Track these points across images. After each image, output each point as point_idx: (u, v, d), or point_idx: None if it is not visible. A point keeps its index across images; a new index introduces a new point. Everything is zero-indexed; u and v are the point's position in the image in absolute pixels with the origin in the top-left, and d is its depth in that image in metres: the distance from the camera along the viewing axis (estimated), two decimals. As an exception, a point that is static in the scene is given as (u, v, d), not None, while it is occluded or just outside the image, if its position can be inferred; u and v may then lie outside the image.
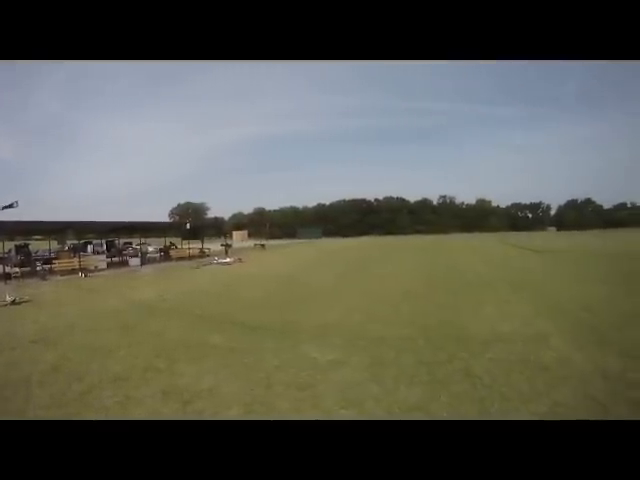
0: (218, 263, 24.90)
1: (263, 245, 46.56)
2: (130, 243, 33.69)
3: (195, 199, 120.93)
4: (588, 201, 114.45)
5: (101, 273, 21.31)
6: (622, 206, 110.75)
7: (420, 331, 7.38)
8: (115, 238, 32.59)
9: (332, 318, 8.69)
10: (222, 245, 36.53)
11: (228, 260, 26.04)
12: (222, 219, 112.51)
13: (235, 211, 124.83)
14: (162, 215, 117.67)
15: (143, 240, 32.22)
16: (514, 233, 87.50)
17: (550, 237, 61.37)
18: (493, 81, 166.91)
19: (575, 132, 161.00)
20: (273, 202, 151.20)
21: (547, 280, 13.63)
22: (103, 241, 31.22)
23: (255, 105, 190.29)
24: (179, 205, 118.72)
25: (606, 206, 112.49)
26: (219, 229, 58.04)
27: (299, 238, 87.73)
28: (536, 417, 4.04)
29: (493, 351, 6.14)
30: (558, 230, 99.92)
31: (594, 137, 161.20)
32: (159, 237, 35.69)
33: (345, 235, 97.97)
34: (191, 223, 37.83)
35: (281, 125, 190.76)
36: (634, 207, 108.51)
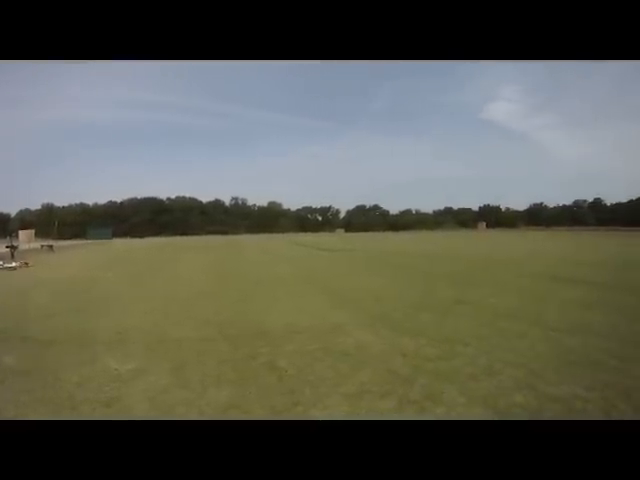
0: (3, 268, 20.60)
1: (51, 246, 40.23)
2: None
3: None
4: (376, 207, 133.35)
5: None
6: (408, 212, 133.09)
7: (218, 330, 7.18)
8: None
9: (128, 323, 7.88)
10: (7, 247, 30.41)
11: (14, 264, 21.56)
12: (8, 215, 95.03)
13: (22, 207, 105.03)
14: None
15: None
16: (304, 234, 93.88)
17: (338, 237, 68.31)
18: (295, 89, 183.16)
19: (374, 144, 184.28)
20: (61, 198, 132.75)
21: (337, 275, 14.96)
22: None
23: (49, 95, 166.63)
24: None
25: (392, 211, 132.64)
26: (4, 227, 48.53)
27: (89, 239, 79.98)
28: (348, 398, 4.20)
29: (294, 343, 6.25)
30: (346, 231, 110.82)
31: (391, 150, 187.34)
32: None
33: (138, 235, 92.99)
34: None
35: (72, 116, 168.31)
36: (419, 213, 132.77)
